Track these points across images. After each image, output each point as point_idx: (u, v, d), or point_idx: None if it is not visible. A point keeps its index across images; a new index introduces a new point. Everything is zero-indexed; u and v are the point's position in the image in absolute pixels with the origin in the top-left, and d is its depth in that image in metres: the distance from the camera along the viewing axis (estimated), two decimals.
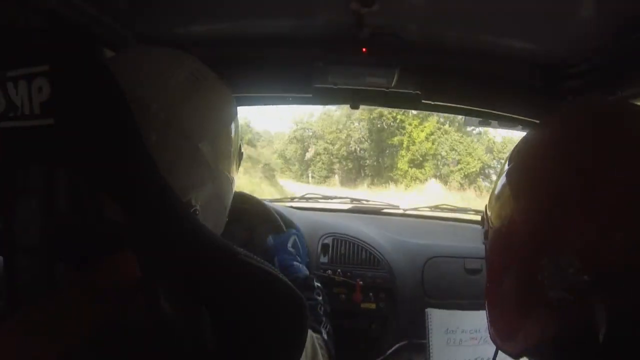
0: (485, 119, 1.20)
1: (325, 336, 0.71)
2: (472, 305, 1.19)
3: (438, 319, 1.15)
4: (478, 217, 1.77)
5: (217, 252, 0.51)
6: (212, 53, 0.77)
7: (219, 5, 0.80)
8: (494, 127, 1.24)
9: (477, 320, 1.14)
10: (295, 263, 0.85)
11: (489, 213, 0.57)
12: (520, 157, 0.55)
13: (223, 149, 0.58)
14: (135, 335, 0.47)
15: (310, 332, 0.65)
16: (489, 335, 1.14)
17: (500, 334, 0.56)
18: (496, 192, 0.56)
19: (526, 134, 0.59)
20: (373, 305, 1.23)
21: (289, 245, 0.89)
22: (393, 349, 1.20)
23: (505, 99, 1.06)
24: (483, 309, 1.19)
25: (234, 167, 0.63)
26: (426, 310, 1.16)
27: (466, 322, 1.15)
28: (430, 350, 1.11)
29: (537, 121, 1.06)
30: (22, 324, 0.44)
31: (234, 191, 0.64)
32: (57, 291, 0.47)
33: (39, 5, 0.63)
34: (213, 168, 0.56)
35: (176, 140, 0.51)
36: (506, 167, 0.56)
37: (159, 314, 0.46)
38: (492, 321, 0.58)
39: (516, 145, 0.57)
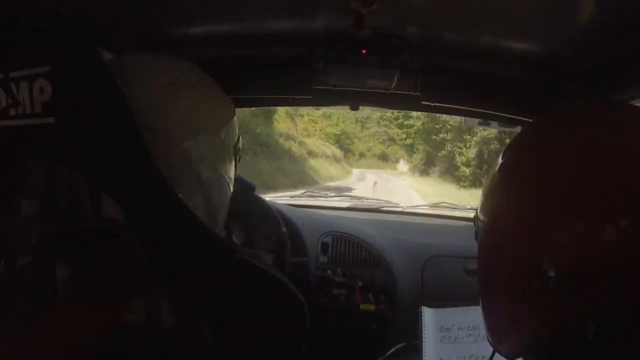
0: (485, 120, 1.20)
1: None
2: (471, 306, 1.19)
3: (432, 316, 1.15)
4: None
5: (215, 250, 0.51)
6: (212, 54, 0.77)
7: (219, 6, 0.80)
8: (493, 127, 1.25)
9: (476, 316, 1.13)
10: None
11: (479, 214, 0.57)
12: (508, 159, 0.55)
13: (212, 152, 0.57)
14: (135, 337, 0.47)
15: None
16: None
17: (495, 335, 0.57)
18: (485, 192, 0.56)
19: (516, 136, 0.60)
20: (372, 307, 1.23)
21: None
22: (392, 350, 1.20)
23: (505, 99, 1.06)
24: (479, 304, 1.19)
25: (229, 167, 0.62)
26: (420, 308, 1.16)
27: (463, 319, 1.14)
28: (424, 348, 1.10)
29: None
30: (21, 325, 0.44)
31: (230, 191, 0.63)
32: (56, 292, 0.47)
33: (39, 5, 0.63)
34: (200, 171, 0.55)
35: (158, 146, 0.49)
36: (496, 167, 0.56)
37: (158, 314, 0.46)
38: (486, 322, 0.58)
39: (506, 147, 0.57)
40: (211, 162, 0.57)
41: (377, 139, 25.12)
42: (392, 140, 24.93)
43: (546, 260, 0.44)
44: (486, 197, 0.55)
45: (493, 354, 0.60)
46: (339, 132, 23.83)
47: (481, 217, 0.56)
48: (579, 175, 0.45)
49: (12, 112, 0.43)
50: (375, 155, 25.22)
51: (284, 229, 1.06)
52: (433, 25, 0.85)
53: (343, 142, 24.06)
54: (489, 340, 0.58)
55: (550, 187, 0.46)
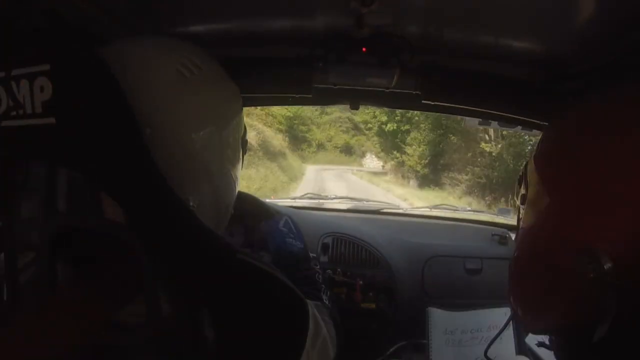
0: (485, 119, 1.20)
1: (326, 301, 0.71)
2: (472, 305, 1.19)
3: (438, 318, 1.16)
4: (478, 217, 1.79)
5: (216, 251, 0.51)
6: (212, 53, 0.77)
7: (219, 5, 0.80)
8: (493, 127, 1.24)
9: (479, 320, 1.15)
10: (288, 240, 0.85)
11: (529, 179, 0.57)
12: (552, 143, 0.55)
13: (221, 146, 0.55)
14: (135, 337, 0.47)
15: (308, 301, 0.64)
16: (490, 335, 1.16)
17: (525, 311, 0.58)
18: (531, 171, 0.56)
19: (550, 125, 0.59)
20: (373, 305, 1.23)
21: (281, 225, 0.89)
22: (393, 348, 1.20)
23: (505, 99, 1.06)
24: (482, 307, 1.20)
25: (236, 161, 0.61)
26: (427, 309, 1.17)
27: (467, 322, 1.16)
28: (430, 349, 1.12)
29: (537, 121, 1.07)
30: (23, 324, 0.44)
31: (237, 188, 0.63)
32: (57, 291, 0.47)
33: (39, 5, 0.63)
34: (210, 166, 0.54)
35: (167, 139, 0.48)
36: (536, 153, 0.56)
37: (159, 313, 0.46)
38: (515, 297, 0.59)
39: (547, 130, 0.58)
40: (219, 157, 0.55)
41: (340, 126, 18.81)
42: (357, 129, 18.75)
43: (595, 249, 0.44)
44: (533, 177, 0.55)
45: (508, 321, 0.60)
46: (292, 115, 16.89)
47: (528, 193, 0.56)
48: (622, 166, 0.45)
49: (13, 112, 0.43)
50: (337, 147, 18.66)
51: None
52: (433, 24, 0.85)
53: (297, 129, 17.50)
54: (514, 313, 0.59)
55: (592, 179, 0.46)
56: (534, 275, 0.54)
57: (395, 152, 15.29)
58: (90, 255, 0.49)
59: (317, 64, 0.95)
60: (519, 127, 1.16)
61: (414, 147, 13.78)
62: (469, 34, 0.88)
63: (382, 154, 17.08)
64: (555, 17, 0.74)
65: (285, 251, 0.82)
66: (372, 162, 17.67)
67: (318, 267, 0.83)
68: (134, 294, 0.48)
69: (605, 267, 0.43)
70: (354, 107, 1.20)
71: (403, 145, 14.58)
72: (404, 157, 14.26)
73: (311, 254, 0.86)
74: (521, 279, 0.58)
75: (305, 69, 0.99)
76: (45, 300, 0.47)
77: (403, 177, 13.93)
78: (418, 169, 13.38)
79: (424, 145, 13.28)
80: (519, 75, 1.00)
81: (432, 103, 1.09)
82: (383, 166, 16.47)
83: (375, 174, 14.92)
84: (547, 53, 0.89)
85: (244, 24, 0.89)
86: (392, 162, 15.40)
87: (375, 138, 17.57)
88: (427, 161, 13.05)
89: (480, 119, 1.22)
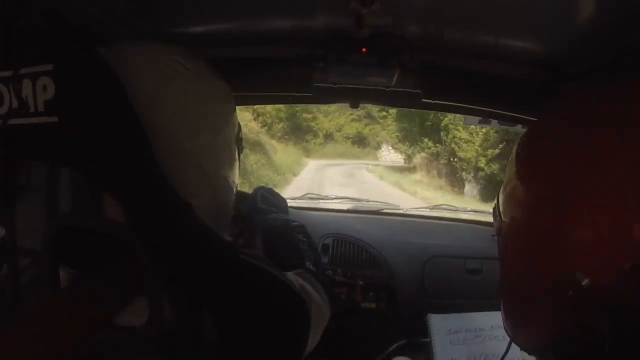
0: (485, 118, 1.21)
1: (310, 267, 0.71)
2: (472, 305, 1.20)
3: (440, 322, 1.17)
4: (478, 217, 1.78)
5: (217, 251, 0.51)
6: (212, 53, 0.77)
7: (219, 5, 0.80)
8: (493, 125, 1.25)
9: (481, 320, 1.16)
10: (271, 215, 0.85)
11: (501, 209, 0.56)
12: (528, 153, 0.54)
13: (218, 146, 0.56)
14: (135, 337, 0.47)
15: (291, 274, 0.64)
16: (493, 334, 1.16)
17: (514, 329, 0.57)
18: (507, 189, 0.55)
19: (529, 129, 0.59)
20: (373, 305, 1.24)
21: (259, 203, 0.88)
22: (392, 348, 1.20)
23: (505, 99, 1.06)
24: (484, 309, 1.21)
25: (233, 160, 0.61)
26: (427, 315, 1.18)
27: (470, 322, 1.17)
28: (434, 351, 1.13)
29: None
30: (23, 325, 0.44)
31: (235, 187, 0.63)
32: (58, 292, 0.47)
33: (39, 5, 0.63)
34: (206, 167, 0.54)
35: (161, 142, 0.48)
36: (514, 163, 0.55)
37: (160, 314, 0.46)
38: (507, 316, 0.58)
39: (522, 140, 0.56)
40: (217, 157, 0.56)
41: (351, 114, 15.86)
42: (370, 117, 15.80)
43: (575, 273, 0.43)
44: (510, 196, 0.54)
45: (509, 346, 0.60)
46: None
47: (505, 215, 0.55)
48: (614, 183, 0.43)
49: (15, 111, 0.43)
50: (348, 138, 15.80)
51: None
52: (433, 24, 0.85)
53: (300, 117, 14.69)
54: (506, 331, 0.58)
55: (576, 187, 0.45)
56: (521, 295, 0.53)
57: (426, 140, 10.79)
58: (90, 255, 0.49)
59: (317, 64, 0.95)
60: (519, 125, 1.16)
61: (469, 129, 8.06)
62: (469, 34, 0.88)
63: (400, 144, 13.43)
64: (555, 17, 0.74)
65: (270, 225, 0.82)
66: (388, 154, 15.01)
67: (301, 235, 0.82)
68: (134, 294, 0.48)
69: (583, 284, 0.42)
70: (354, 105, 1.20)
71: (451, 125, 9.27)
72: (454, 147, 9.04)
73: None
74: (509, 299, 0.57)
75: (305, 69, 0.99)
76: (46, 300, 0.47)
77: (439, 174, 9.66)
78: (481, 164, 8.17)
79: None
80: (519, 75, 1.00)
81: (432, 102, 1.09)
82: (406, 160, 12.46)
83: (400, 170, 11.13)
84: (547, 53, 0.89)
85: (244, 24, 0.89)
86: (423, 154, 10.90)
87: (393, 125, 14.05)
88: (498, 151, 7.73)
89: (480, 118, 1.22)
